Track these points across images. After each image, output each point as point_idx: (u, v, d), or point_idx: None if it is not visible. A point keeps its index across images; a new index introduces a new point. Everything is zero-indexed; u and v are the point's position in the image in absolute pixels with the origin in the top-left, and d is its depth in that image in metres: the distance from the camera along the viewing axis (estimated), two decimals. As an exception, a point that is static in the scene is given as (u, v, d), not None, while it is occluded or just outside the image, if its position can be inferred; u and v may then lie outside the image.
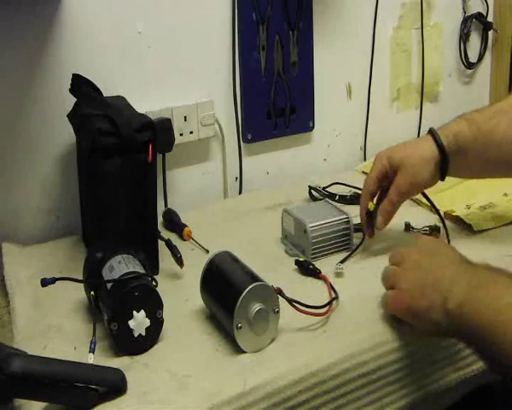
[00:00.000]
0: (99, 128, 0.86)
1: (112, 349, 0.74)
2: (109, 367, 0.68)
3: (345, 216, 0.97)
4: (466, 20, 1.53)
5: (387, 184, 0.93)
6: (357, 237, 0.97)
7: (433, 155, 0.90)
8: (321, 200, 1.09)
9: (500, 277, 0.65)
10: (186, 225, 1.05)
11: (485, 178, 0.99)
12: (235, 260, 0.81)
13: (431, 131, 0.92)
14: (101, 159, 0.87)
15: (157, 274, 0.91)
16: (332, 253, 0.96)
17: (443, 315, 0.67)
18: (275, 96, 1.28)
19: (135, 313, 0.71)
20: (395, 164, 0.91)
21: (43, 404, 0.64)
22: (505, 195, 1.11)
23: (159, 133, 0.90)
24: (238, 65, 1.23)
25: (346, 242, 0.97)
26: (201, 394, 0.66)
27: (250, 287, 0.71)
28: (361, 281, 0.88)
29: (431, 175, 0.91)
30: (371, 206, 0.94)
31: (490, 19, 1.56)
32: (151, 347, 0.74)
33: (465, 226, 1.02)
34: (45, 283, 0.75)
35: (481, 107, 0.94)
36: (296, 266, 0.92)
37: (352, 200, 1.14)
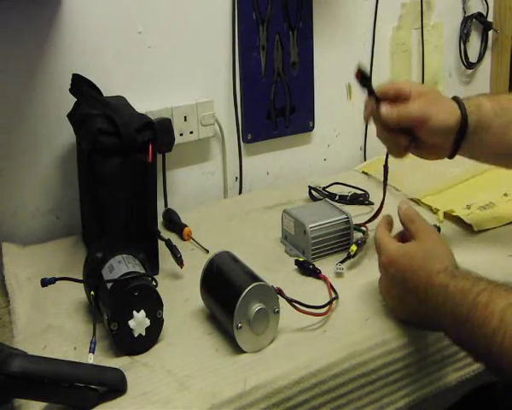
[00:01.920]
0: (99, 128, 0.86)
1: (112, 349, 0.74)
2: (109, 367, 0.68)
3: (345, 216, 0.97)
4: (466, 20, 1.53)
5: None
6: (356, 237, 0.97)
7: (456, 112, 0.84)
8: (321, 200, 1.09)
9: (478, 298, 0.64)
10: (186, 225, 1.05)
11: (496, 165, 0.95)
12: (235, 260, 0.81)
13: (455, 97, 0.86)
14: (101, 159, 0.87)
15: (157, 274, 0.91)
16: (332, 253, 0.96)
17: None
18: (275, 96, 1.28)
19: (135, 313, 0.71)
20: (420, 89, 0.84)
21: (43, 404, 0.64)
22: (505, 195, 1.11)
23: (159, 133, 0.90)
24: (238, 65, 1.23)
25: (346, 242, 0.97)
26: (201, 394, 0.66)
27: (250, 287, 0.71)
28: (361, 281, 0.88)
29: (448, 130, 0.84)
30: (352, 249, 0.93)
31: (490, 19, 1.56)
32: (151, 347, 0.74)
33: (465, 226, 1.02)
34: (45, 283, 0.75)
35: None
36: (296, 266, 0.92)
37: (352, 200, 1.14)
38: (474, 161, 0.93)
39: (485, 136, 0.86)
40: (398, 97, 0.84)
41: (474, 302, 0.64)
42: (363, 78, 0.85)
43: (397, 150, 0.89)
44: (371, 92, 0.85)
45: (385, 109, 0.83)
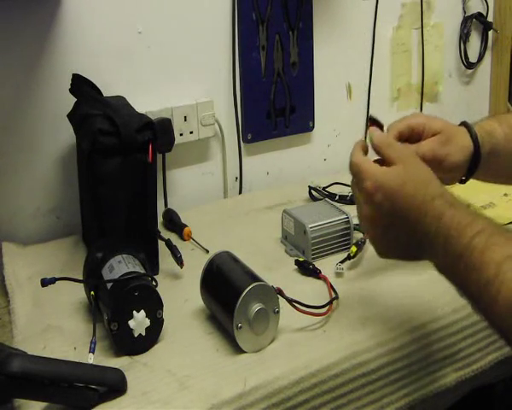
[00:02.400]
0: (99, 128, 0.86)
1: (112, 349, 0.74)
2: (109, 367, 0.68)
3: (345, 216, 0.97)
4: (466, 20, 1.53)
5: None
6: (357, 238, 0.97)
7: (468, 145, 0.81)
8: (321, 200, 1.09)
9: (475, 240, 0.61)
10: (186, 225, 1.05)
11: (509, 185, 0.93)
12: (235, 260, 0.81)
13: (466, 124, 0.83)
14: (101, 159, 0.87)
15: (157, 274, 0.91)
16: (332, 253, 0.96)
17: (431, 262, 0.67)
18: (275, 96, 1.28)
19: (135, 313, 0.71)
20: (434, 128, 0.80)
21: (43, 404, 0.64)
22: (505, 195, 1.11)
23: (159, 133, 0.90)
24: (238, 65, 1.23)
25: (346, 242, 0.97)
26: (201, 394, 0.66)
27: (250, 287, 0.71)
28: (361, 281, 0.88)
29: (461, 164, 0.81)
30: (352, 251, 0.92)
31: (490, 19, 1.56)
32: (151, 347, 0.74)
33: (465, 226, 1.01)
34: (45, 283, 0.75)
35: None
36: (296, 266, 0.92)
37: (352, 200, 1.13)
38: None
39: (497, 161, 0.83)
40: (411, 135, 0.81)
41: (470, 245, 0.61)
42: (378, 126, 0.78)
43: None
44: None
45: None
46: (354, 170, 0.72)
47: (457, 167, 0.81)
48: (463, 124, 0.83)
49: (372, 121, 0.78)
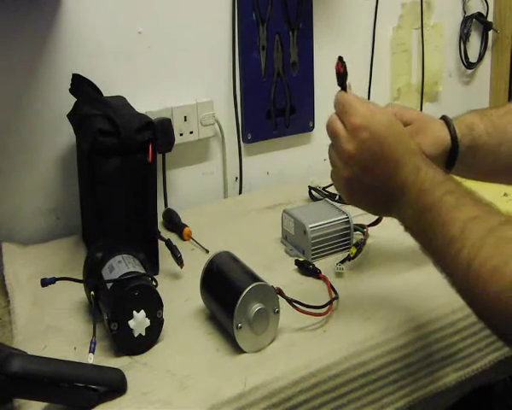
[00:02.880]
0: (99, 128, 0.86)
1: (112, 349, 0.74)
2: (109, 367, 0.68)
3: (345, 216, 0.97)
4: (466, 20, 1.53)
5: None
6: (356, 238, 0.97)
7: (445, 138, 0.80)
8: (321, 200, 1.09)
9: (447, 196, 0.62)
10: (186, 225, 1.05)
11: (491, 182, 0.89)
12: (235, 260, 0.81)
13: (444, 118, 0.82)
14: (101, 159, 0.87)
15: (157, 274, 0.91)
16: (332, 253, 0.96)
17: (401, 221, 0.68)
18: (275, 96, 1.28)
19: (135, 313, 0.71)
20: (405, 119, 0.80)
21: (43, 404, 0.64)
22: (505, 195, 1.11)
23: (159, 133, 0.90)
24: (238, 65, 1.23)
25: (346, 242, 0.97)
26: (201, 394, 0.66)
27: (250, 287, 0.71)
28: (361, 281, 0.88)
29: (436, 157, 0.78)
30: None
31: (490, 19, 1.56)
32: (151, 347, 0.74)
33: (465, 226, 1.01)
34: (45, 283, 0.75)
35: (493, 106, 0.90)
36: (296, 266, 0.92)
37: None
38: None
39: (478, 157, 0.82)
40: None
41: (441, 199, 0.62)
42: (343, 74, 0.74)
43: None
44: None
45: None
46: (343, 104, 0.71)
47: (431, 160, 0.76)
48: (443, 117, 0.82)
49: (341, 66, 0.73)
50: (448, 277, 0.61)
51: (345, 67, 0.73)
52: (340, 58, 0.73)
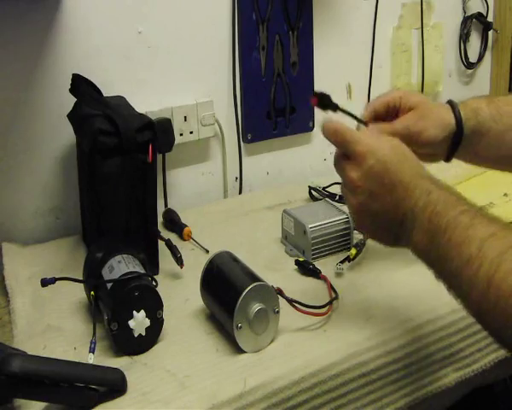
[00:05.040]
0: (99, 128, 0.86)
1: (112, 349, 0.74)
2: (109, 367, 0.68)
3: (345, 216, 0.97)
4: (466, 20, 1.53)
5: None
6: (357, 239, 0.97)
7: (450, 122, 0.79)
8: (321, 200, 1.09)
9: (462, 216, 0.61)
10: (186, 225, 1.05)
11: (495, 169, 0.89)
12: (235, 260, 0.81)
13: (450, 102, 0.81)
14: (101, 159, 0.87)
15: (157, 274, 0.91)
16: (332, 253, 0.96)
17: (411, 247, 0.66)
18: (275, 96, 1.28)
19: (135, 313, 0.71)
20: (410, 103, 0.79)
21: (43, 404, 0.64)
22: (505, 195, 1.11)
23: (159, 133, 0.90)
24: (238, 65, 1.23)
25: (346, 242, 0.97)
26: (201, 394, 0.66)
27: (250, 287, 0.71)
28: (361, 281, 0.88)
29: (439, 142, 0.79)
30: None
31: (490, 19, 1.56)
32: (151, 347, 0.74)
33: (465, 226, 1.01)
34: (45, 283, 0.75)
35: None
36: (296, 266, 0.92)
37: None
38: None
39: (483, 142, 0.81)
40: (387, 112, 0.80)
41: (456, 219, 0.60)
42: (323, 99, 0.74)
43: None
44: (335, 109, 0.75)
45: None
46: (342, 134, 0.69)
47: (435, 143, 0.79)
48: (448, 102, 0.82)
49: (318, 97, 0.73)
50: (464, 299, 0.59)
51: (322, 97, 0.73)
52: (315, 93, 0.73)
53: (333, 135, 0.70)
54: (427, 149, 0.79)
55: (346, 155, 0.69)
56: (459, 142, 0.80)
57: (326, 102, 0.74)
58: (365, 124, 0.78)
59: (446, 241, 0.60)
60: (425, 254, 0.64)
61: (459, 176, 1.19)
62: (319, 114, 1.33)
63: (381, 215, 0.67)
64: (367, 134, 0.71)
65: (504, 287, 0.54)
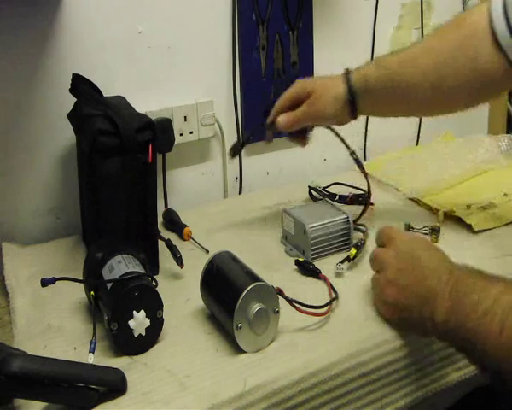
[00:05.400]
0: (99, 128, 0.86)
1: (112, 349, 0.74)
2: (109, 367, 0.68)
3: (345, 216, 0.97)
4: (466, 20, 1.53)
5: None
6: (356, 238, 0.97)
7: (343, 92, 0.94)
8: (321, 200, 1.09)
9: (478, 281, 0.67)
10: (186, 225, 1.05)
11: (395, 116, 1.01)
12: (235, 260, 0.81)
13: (346, 71, 0.96)
14: (101, 159, 0.87)
15: (157, 274, 0.91)
16: (332, 253, 0.96)
17: (433, 327, 0.69)
18: (275, 96, 1.27)
19: (135, 313, 0.71)
20: (307, 90, 0.95)
21: (43, 404, 0.64)
22: (505, 195, 1.11)
23: (159, 133, 0.90)
24: (238, 65, 1.23)
25: (345, 242, 0.97)
26: (201, 394, 0.66)
27: (250, 287, 0.71)
28: (361, 281, 0.88)
29: (338, 112, 0.95)
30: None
31: (490, 19, 1.56)
32: (151, 347, 0.74)
33: (465, 226, 1.02)
34: (45, 283, 0.75)
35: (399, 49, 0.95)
36: (296, 266, 0.92)
37: (352, 200, 1.13)
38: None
39: (371, 97, 0.94)
40: (294, 103, 0.97)
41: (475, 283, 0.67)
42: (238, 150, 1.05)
43: (302, 143, 1.05)
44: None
45: (281, 123, 0.98)
46: (384, 234, 0.80)
47: (336, 115, 0.96)
48: (345, 70, 0.96)
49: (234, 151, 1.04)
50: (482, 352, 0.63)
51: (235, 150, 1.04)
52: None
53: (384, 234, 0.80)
54: (331, 121, 0.99)
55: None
56: (356, 104, 0.94)
57: (237, 149, 1.03)
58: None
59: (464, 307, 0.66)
60: (447, 328, 0.68)
61: (458, 176, 1.19)
62: (319, 114, 1.34)
63: (405, 291, 0.72)
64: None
65: None
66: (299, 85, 0.98)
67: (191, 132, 1.20)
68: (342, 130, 1.40)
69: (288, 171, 1.35)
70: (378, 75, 0.93)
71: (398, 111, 0.98)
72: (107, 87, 1.04)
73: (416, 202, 1.13)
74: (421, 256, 0.73)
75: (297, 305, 0.76)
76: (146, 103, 1.12)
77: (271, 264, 0.94)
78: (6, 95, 1.03)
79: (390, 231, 0.78)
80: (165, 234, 1.02)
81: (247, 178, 1.30)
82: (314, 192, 1.18)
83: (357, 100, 0.94)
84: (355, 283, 0.87)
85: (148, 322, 0.72)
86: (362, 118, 1.42)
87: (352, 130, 1.42)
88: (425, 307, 0.69)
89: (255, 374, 0.68)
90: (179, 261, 0.90)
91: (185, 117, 1.18)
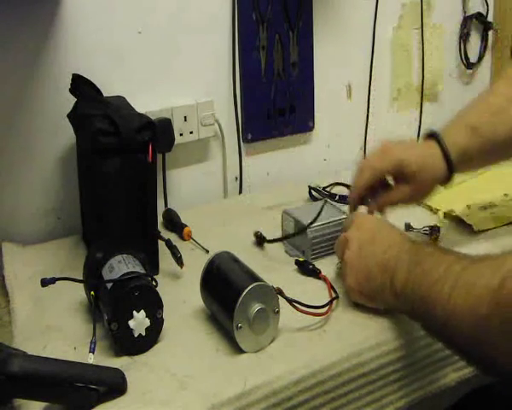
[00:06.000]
0: (99, 128, 0.86)
1: (112, 349, 0.74)
2: (109, 367, 0.68)
3: (345, 216, 0.97)
4: (466, 21, 1.52)
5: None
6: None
7: (441, 171, 0.88)
8: (321, 200, 1.09)
9: (435, 251, 0.70)
10: (186, 225, 1.05)
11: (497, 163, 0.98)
12: (235, 260, 0.81)
13: (440, 143, 0.89)
14: (100, 159, 0.87)
15: (157, 274, 0.91)
16: (332, 253, 0.95)
17: (393, 296, 0.73)
18: (275, 96, 1.28)
19: (135, 313, 0.71)
20: (406, 173, 0.87)
21: (43, 404, 0.64)
22: (505, 195, 1.11)
23: (159, 133, 0.90)
24: (238, 65, 1.23)
25: (346, 242, 0.96)
26: (201, 394, 0.66)
27: (250, 287, 0.71)
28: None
29: (435, 186, 0.92)
30: None
31: (490, 19, 1.56)
32: (151, 347, 0.74)
33: (465, 226, 1.02)
34: (45, 283, 0.75)
35: (472, 102, 0.93)
36: (296, 266, 0.92)
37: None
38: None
39: (472, 163, 0.91)
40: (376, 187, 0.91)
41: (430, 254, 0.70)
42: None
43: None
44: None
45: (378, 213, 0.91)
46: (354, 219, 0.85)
47: (433, 188, 0.91)
48: (437, 140, 0.88)
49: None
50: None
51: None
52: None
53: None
54: (428, 194, 0.92)
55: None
56: (451, 175, 0.89)
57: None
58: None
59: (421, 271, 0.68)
60: (404, 294, 0.71)
61: (459, 176, 1.19)
62: (319, 114, 1.34)
63: (366, 260, 0.77)
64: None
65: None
66: (392, 161, 0.88)
67: (191, 132, 1.20)
68: (342, 130, 1.42)
69: (287, 171, 1.35)
70: (476, 147, 0.89)
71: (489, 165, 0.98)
72: (107, 87, 1.04)
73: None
74: (382, 230, 0.79)
75: (297, 305, 0.76)
76: (146, 103, 1.12)
77: (271, 264, 0.94)
78: (6, 95, 1.03)
79: (352, 216, 0.86)
80: (165, 234, 1.02)
81: (247, 178, 1.30)
82: (314, 192, 1.18)
83: (454, 173, 0.90)
84: (355, 283, 0.87)
85: (148, 322, 0.72)
86: (362, 117, 1.43)
87: (352, 130, 1.43)
88: (385, 275, 0.74)
89: (255, 374, 0.68)
90: (179, 261, 0.90)
91: (185, 117, 1.18)
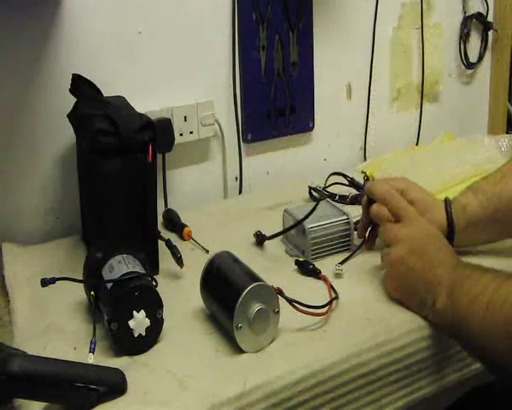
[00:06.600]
0: (99, 128, 0.86)
1: (112, 349, 0.74)
2: (109, 367, 0.68)
3: (345, 217, 0.97)
4: (466, 20, 1.53)
5: None
6: (357, 238, 0.97)
7: (442, 223, 0.88)
8: (321, 200, 1.09)
9: (472, 273, 0.72)
10: (186, 225, 1.05)
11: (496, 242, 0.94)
12: (235, 260, 0.81)
13: (446, 201, 0.90)
14: (100, 159, 0.87)
15: (157, 274, 0.91)
16: (332, 253, 0.96)
17: (432, 313, 0.75)
18: (275, 96, 1.28)
19: (135, 313, 0.71)
20: (411, 196, 0.89)
21: (43, 404, 0.64)
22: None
23: (159, 133, 0.90)
24: (238, 65, 1.23)
25: (345, 242, 0.96)
26: (201, 394, 0.66)
27: (250, 287, 0.71)
28: (361, 281, 0.88)
29: None
30: None
31: (490, 19, 1.56)
32: (151, 347, 0.74)
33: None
34: (45, 283, 0.75)
35: (488, 174, 0.92)
36: (296, 266, 0.92)
37: (353, 200, 1.14)
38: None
39: (476, 230, 0.89)
40: None
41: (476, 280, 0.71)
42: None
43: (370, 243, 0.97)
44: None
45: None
46: (393, 199, 0.86)
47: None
48: (445, 199, 0.90)
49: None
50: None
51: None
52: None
53: (387, 193, 0.86)
54: None
55: (389, 218, 0.85)
56: (451, 238, 0.87)
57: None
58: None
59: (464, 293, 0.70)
60: (444, 314, 0.73)
61: (458, 176, 1.19)
62: (319, 114, 1.34)
63: (413, 273, 0.78)
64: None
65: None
66: (403, 185, 0.90)
67: (191, 132, 1.20)
68: (342, 130, 1.42)
69: (288, 171, 1.35)
70: (480, 202, 0.88)
71: (504, 234, 0.93)
72: (107, 87, 1.04)
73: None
74: (431, 244, 0.79)
75: (297, 305, 0.76)
76: (146, 103, 1.12)
77: (271, 264, 0.94)
78: (6, 95, 1.03)
79: (398, 205, 0.84)
80: (165, 234, 1.02)
81: (247, 178, 1.30)
82: (314, 192, 1.18)
83: (455, 233, 0.88)
84: (355, 283, 0.87)
85: (148, 322, 0.72)
86: (362, 117, 1.43)
87: (352, 130, 1.43)
88: (427, 294, 0.75)
89: (255, 374, 0.68)
90: (179, 261, 0.90)
91: (185, 117, 1.18)
